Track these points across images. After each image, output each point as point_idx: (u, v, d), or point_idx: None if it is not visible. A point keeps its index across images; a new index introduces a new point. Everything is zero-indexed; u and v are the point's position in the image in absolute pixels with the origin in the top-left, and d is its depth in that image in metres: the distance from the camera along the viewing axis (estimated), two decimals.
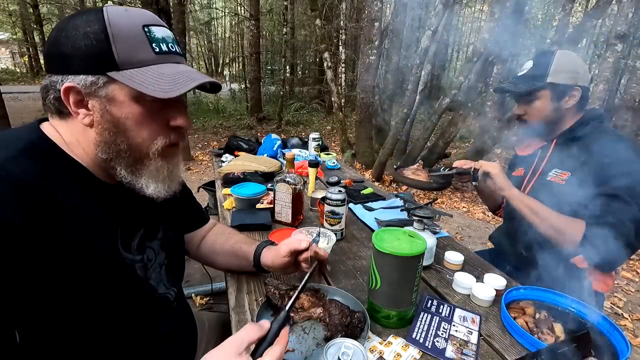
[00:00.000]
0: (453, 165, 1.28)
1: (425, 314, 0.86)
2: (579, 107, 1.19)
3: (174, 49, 0.65)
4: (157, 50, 0.62)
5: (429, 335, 0.79)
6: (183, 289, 0.90)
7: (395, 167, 1.53)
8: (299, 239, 0.90)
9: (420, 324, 0.83)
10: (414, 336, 0.78)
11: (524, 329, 0.79)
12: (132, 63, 0.59)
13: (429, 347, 0.76)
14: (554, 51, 1.18)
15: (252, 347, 0.55)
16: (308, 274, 0.74)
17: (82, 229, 0.60)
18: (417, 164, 1.49)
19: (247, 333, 0.55)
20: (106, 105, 0.60)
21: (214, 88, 0.70)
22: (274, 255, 0.90)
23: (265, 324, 0.57)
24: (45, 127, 0.64)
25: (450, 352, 0.75)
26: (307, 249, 0.88)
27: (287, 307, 0.61)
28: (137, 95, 0.60)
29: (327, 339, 0.72)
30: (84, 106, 0.61)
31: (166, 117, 0.65)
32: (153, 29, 0.62)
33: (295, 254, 0.88)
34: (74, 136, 0.63)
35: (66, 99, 0.60)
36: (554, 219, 1.09)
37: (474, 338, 0.80)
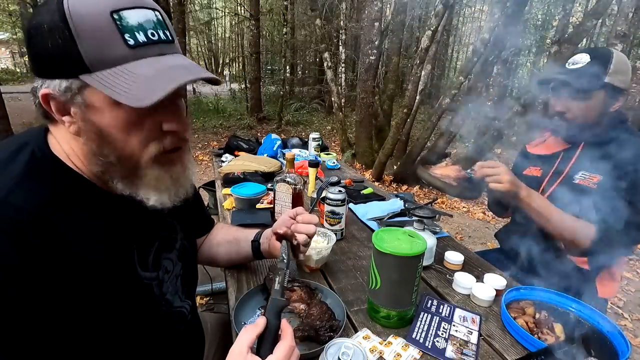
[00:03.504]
0: (476, 168, 1.12)
1: (425, 314, 0.86)
2: (620, 111, 1.12)
3: (155, 37, 0.53)
4: (132, 42, 0.50)
5: (429, 335, 0.79)
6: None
7: (419, 164, 1.34)
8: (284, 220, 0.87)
9: (420, 324, 0.83)
10: (414, 336, 0.78)
11: (524, 329, 0.79)
12: (104, 62, 0.50)
13: (429, 347, 0.76)
14: (610, 50, 1.09)
15: (254, 347, 0.56)
16: (287, 255, 0.70)
17: (96, 252, 0.56)
18: (446, 161, 1.34)
19: (244, 336, 0.54)
20: (85, 112, 0.52)
21: (214, 81, 0.58)
22: (268, 235, 0.92)
23: (260, 320, 0.57)
24: (51, 137, 0.58)
25: (450, 352, 0.75)
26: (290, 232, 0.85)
27: (272, 297, 0.59)
28: (115, 100, 0.50)
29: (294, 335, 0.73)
30: (67, 112, 0.53)
31: (157, 120, 0.56)
32: (125, 14, 0.50)
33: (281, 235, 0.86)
34: (69, 145, 0.57)
35: (47, 106, 0.53)
36: (567, 222, 1.06)
37: (474, 338, 0.79)
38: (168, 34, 0.55)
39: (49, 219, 0.51)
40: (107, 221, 0.59)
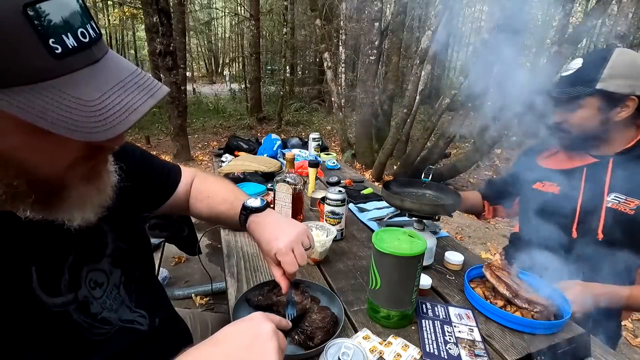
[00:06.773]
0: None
1: (427, 321, 0.84)
2: (633, 119, 1.00)
3: (86, 37, 0.40)
4: (60, 50, 0.37)
5: (440, 344, 0.77)
6: (171, 298, 0.80)
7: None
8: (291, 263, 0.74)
9: (427, 333, 0.81)
10: (427, 350, 0.76)
11: (479, 296, 0.89)
12: (20, 75, 0.36)
13: (445, 357, 0.74)
14: (610, 50, 0.97)
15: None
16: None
17: None
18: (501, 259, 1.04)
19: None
20: None
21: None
22: (261, 239, 0.77)
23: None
24: None
25: (465, 356, 0.74)
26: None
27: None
28: (30, 124, 0.37)
29: (287, 334, 0.73)
30: None
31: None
32: (44, 7, 0.36)
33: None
34: None
35: None
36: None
37: (477, 335, 0.80)
38: (95, 25, 0.42)
39: None
40: None
